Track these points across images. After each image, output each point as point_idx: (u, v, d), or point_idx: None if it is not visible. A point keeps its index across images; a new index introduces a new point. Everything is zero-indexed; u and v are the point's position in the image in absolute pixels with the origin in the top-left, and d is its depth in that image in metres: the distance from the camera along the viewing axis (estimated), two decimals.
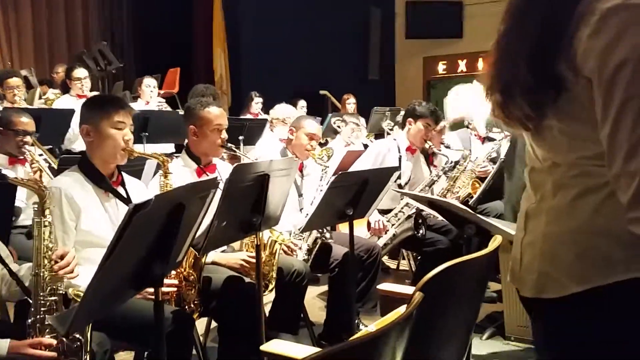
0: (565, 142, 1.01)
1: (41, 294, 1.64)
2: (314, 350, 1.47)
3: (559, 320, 1.05)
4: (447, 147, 3.78)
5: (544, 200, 1.07)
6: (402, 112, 3.99)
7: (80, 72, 5.07)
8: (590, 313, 1.00)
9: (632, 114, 0.89)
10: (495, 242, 1.26)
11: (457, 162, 3.58)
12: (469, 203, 3.42)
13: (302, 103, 6.60)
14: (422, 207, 2.95)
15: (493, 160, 3.84)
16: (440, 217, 2.97)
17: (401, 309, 1.02)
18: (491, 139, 4.33)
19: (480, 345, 2.79)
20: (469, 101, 3.99)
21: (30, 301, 1.65)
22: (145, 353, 2.16)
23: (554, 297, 1.03)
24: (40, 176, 2.90)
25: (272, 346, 1.32)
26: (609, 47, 0.90)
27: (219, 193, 1.77)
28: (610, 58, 0.90)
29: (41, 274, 1.65)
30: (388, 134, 5.34)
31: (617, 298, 0.97)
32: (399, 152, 3.45)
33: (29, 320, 1.63)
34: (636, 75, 0.88)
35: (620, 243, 0.96)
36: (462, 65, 9.40)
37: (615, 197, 0.94)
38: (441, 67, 9.85)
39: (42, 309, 1.64)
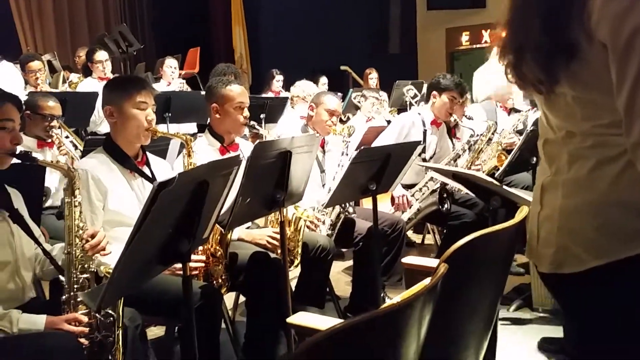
0: (579, 110, 0.98)
1: (73, 271, 1.70)
2: (339, 322, 1.48)
3: (579, 295, 1.03)
4: (470, 118, 3.70)
5: (560, 173, 1.05)
6: (426, 86, 3.92)
7: (101, 55, 5.12)
8: (610, 287, 0.98)
9: None
10: (522, 213, 1.24)
11: (481, 134, 3.51)
12: (495, 175, 3.37)
13: (324, 80, 6.54)
14: (446, 180, 2.91)
15: (519, 132, 3.76)
16: (465, 190, 2.93)
17: (426, 281, 1.02)
18: (517, 111, 4.24)
19: (507, 317, 2.78)
20: (495, 78, 3.89)
21: (63, 279, 1.71)
22: (176, 327, 2.23)
23: (573, 272, 1.01)
24: (71, 160, 2.96)
25: (298, 318, 1.34)
26: (625, 12, 0.87)
27: (242, 170, 1.78)
28: (625, 23, 0.87)
29: (73, 253, 1.70)
30: (412, 105, 5.26)
31: (638, 270, 0.94)
32: (424, 125, 3.40)
33: (63, 297, 1.69)
34: None
35: (638, 215, 0.93)
36: (485, 36, 9.15)
37: (632, 167, 0.92)
38: (464, 38, 9.61)
39: (75, 286, 1.69)
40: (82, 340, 1.62)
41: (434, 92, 3.40)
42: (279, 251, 2.30)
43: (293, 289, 2.58)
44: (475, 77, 4.54)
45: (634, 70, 0.87)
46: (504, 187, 2.15)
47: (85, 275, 1.71)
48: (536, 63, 0.99)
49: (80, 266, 1.71)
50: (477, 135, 3.45)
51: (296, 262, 2.45)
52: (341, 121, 3.51)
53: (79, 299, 1.68)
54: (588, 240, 0.99)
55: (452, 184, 3.01)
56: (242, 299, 2.67)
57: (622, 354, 0.99)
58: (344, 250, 3.29)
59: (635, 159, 0.90)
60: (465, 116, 3.66)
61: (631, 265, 0.94)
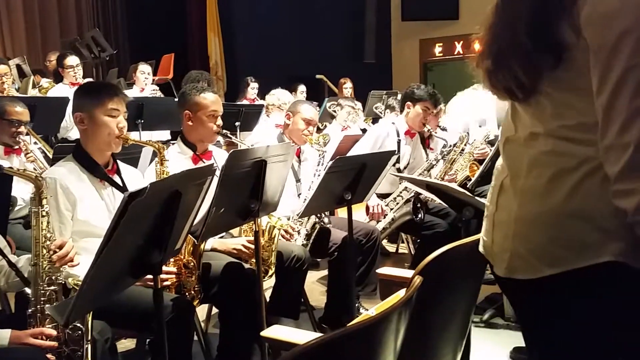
0: (549, 107, 0.98)
1: (40, 284, 1.64)
2: (314, 335, 1.48)
3: (531, 301, 1.05)
4: (444, 129, 3.76)
5: (517, 177, 1.05)
6: (398, 96, 3.97)
7: (72, 60, 5.02)
8: (561, 295, 0.99)
9: (632, 83, 0.86)
10: None
11: (454, 145, 3.57)
12: (467, 186, 3.41)
13: (302, 88, 6.53)
14: (420, 190, 2.94)
15: (491, 143, 3.83)
16: (438, 200, 2.97)
17: (401, 293, 1.02)
18: None
19: (480, 326, 2.81)
20: (471, 109, 3.94)
21: (30, 291, 1.65)
22: (147, 340, 2.18)
23: (526, 279, 1.02)
24: (41, 168, 2.88)
25: (272, 332, 1.32)
26: (614, 14, 0.86)
27: (216, 180, 1.76)
28: (615, 24, 0.86)
29: (40, 264, 1.65)
30: (380, 117, 5.32)
31: (589, 281, 0.96)
32: (398, 136, 3.44)
33: (29, 310, 1.63)
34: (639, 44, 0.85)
35: (594, 226, 0.94)
36: (458, 47, 9.33)
37: (590, 178, 0.93)
38: (437, 49, 9.77)
39: (42, 299, 1.64)
40: (49, 355, 1.56)
41: (408, 103, 3.44)
42: (253, 261, 2.27)
43: (267, 299, 2.55)
44: (453, 101, 4.58)
45: (617, 73, 0.86)
46: (476, 197, 2.18)
47: (52, 288, 1.66)
48: (519, 67, 0.98)
49: (47, 278, 1.65)
50: (450, 145, 3.50)
51: (270, 272, 2.43)
52: (317, 130, 3.52)
53: (46, 313, 1.62)
54: (542, 250, 0.99)
55: (426, 194, 3.04)
56: (215, 310, 2.64)
57: None
58: (318, 260, 3.28)
59: (606, 160, 0.90)
60: (439, 127, 3.72)
61: (584, 276, 0.95)
